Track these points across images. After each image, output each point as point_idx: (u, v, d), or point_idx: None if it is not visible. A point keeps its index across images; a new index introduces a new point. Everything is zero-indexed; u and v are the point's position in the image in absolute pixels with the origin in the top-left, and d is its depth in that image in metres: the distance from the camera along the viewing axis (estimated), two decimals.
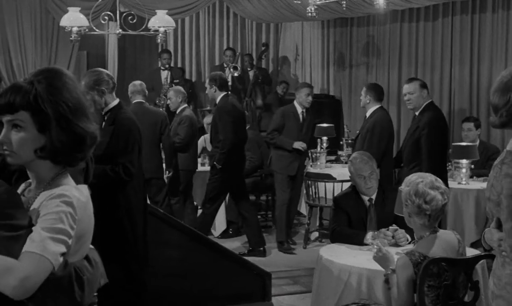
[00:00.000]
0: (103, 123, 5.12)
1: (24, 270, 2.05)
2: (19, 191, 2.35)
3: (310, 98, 8.55)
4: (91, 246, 2.37)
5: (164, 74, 11.70)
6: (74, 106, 2.25)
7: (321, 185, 8.22)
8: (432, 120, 6.46)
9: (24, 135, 2.22)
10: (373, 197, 5.31)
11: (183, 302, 5.29)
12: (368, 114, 7.46)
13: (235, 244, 8.52)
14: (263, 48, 12.76)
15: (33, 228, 2.11)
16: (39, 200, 2.22)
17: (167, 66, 11.72)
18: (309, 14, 6.85)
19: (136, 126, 5.18)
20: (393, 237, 4.88)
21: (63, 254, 2.14)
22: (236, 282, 5.43)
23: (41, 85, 2.22)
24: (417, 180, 4.02)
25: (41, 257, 2.08)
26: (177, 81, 11.68)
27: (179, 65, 13.22)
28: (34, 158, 2.24)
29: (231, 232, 9.04)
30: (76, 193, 2.23)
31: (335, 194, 6.37)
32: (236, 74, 11.94)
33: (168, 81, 11.61)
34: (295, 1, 7.16)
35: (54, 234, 2.11)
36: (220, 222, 8.83)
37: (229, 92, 8.29)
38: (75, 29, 8.25)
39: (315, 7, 6.74)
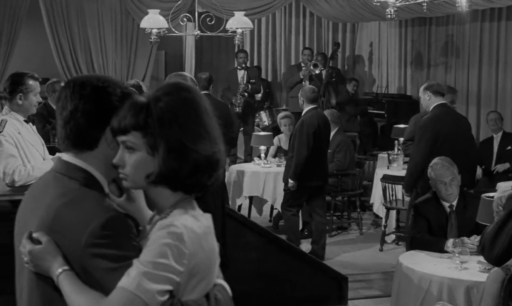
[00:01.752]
0: None
1: None
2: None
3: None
4: (221, 282, 2.16)
5: (241, 74, 11.77)
6: (190, 128, 1.98)
7: (398, 187, 8.12)
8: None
9: (136, 158, 1.98)
10: (454, 203, 5.22)
11: (260, 304, 5.31)
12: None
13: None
14: (334, 47, 12.69)
15: (134, 261, 1.89)
16: (154, 230, 1.96)
17: (243, 65, 11.78)
18: (389, 15, 6.77)
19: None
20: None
21: (169, 292, 1.90)
22: (312, 285, 5.42)
23: (157, 103, 1.97)
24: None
25: (131, 294, 1.85)
26: (253, 80, 11.74)
27: (256, 64, 13.27)
28: (147, 183, 2.00)
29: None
30: (190, 223, 1.95)
31: (413, 198, 6.28)
32: (317, 72, 11.88)
33: (245, 81, 11.68)
34: (374, 2, 7.08)
35: (154, 270, 1.86)
36: None
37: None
38: (154, 30, 8.39)
39: (395, 8, 6.66)
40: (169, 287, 1.89)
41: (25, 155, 4.79)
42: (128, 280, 1.86)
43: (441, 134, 6.71)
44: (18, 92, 4.83)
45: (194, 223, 1.97)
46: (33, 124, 5.12)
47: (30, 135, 4.91)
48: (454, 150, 6.31)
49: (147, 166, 1.97)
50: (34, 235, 2.00)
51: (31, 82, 4.86)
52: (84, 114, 2.07)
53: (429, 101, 6.87)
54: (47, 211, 2.01)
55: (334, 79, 12.12)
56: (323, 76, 11.98)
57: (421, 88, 7.03)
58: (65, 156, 2.11)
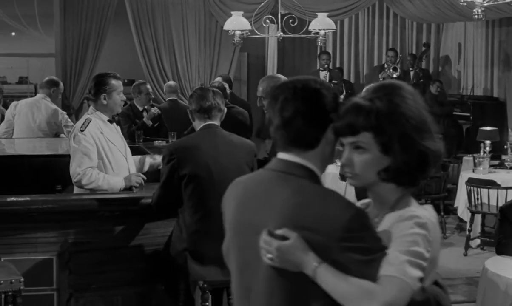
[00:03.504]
0: None
1: (387, 294, 1.95)
2: None
3: None
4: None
5: (323, 75, 11.72)
6: (416, 123, 2.10)
7: (484, 191, 7.94)
8: None
9: (367, 157, 2.11)
10: None
11: None
12: None
13: None
14: (423, 48, 12.50)
15: (388, 251, 2.01)
16: (386, 222, 2.10)
17: (326, 67, 11.74)
18: (476, 16, 6.62)
19: None
20: None
21: (420, 279, 2.02)
22: None
23: (381, 103, 2.10)
24: None
25: (402, 281, 1.96)
26: (336, 82, 11.68)
27: (338, 66, 13.21)
28: (377, 180, 2.13)
29: None
30: (427, 214, 2.09)
31: (499, 202, 6.13)
32: (395, 76, 11.76)
33: (327, 82, 11.64)
34: (461, 3, 6.94)
35: (412, 258, 1.99)
36: None
37: None
38: (237, 32, 8.45)
39: (482, 9, 6.51)
40: (421, 274, 2.02)
41: (105, 154, 4.88)
42: (392, 268, 1.98)
43: None
44: (102, 92, 4.92)
45: (428, 214, 2.10)
46: (117, 125, 5.21)
47: (113, 134, 4.99)
48: None
49: (378, 164, 2.11)
50: (279, 232, 2.05)
51: (113, 81, 4.94)
52: (306, 116, 2.15)
53: None
54: (285, 208, 2.08)
55: (422, 80, 11.94)
56: (411, 77, 11.82)
57: None
58: (286, 156, 2.18)
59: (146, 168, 5.24)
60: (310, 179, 2.14)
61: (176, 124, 8.03)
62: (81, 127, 4.88)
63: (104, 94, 4.91)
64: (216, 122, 4.46)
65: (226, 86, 7.32)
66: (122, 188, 4.85)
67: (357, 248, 1.99)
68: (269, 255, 2.06)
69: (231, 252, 2.30)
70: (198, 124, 4.47)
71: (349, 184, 2.18)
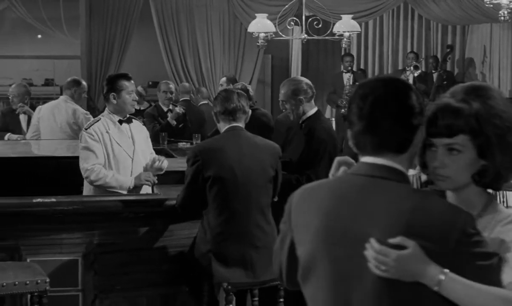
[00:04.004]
0: (299, 131, 5.21)
1: None
2: None
3: None
4: None
5: (346, 77, 11.69)
6: (510, 125, 2.09)
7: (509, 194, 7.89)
8: None
9: (462, 160, 2.08)
10: None
11: None
12: None
13: None
14: (447, 50, 12.42)
15: (507, 256, 1.99)
16: (481, 226, 2.02)
17: (349, 69, 11.71)
18: (501, 17, 6.57)
19: (332, 137, 5.16)
20: None
21: None
22: None
23: (478, 104, 2.08)
24: None
25: None
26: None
27: (362, 68, 13.16)
28: (468, 183, 2.11)
29: None
30: None
31: None
32: (416, 74, 11.67)
33: (350, 83, 11.61)
34: (486, 4, 6.89)
35: None
36: None
37: None
38: (262, 34, 8.45)
39: (509, 10, 6.46)
40: None
41: (107, 154, 4.92)
42: None
43: None
44: (111, 92, 4.97)
45: None
46: (143, 125, 5.24)
47: (121, 135, 5.01)
48: None
49: (473, 167, 2.09)
50: (393, 240, 1.92)
51: (123, 81, 4.98)
52: (399, 118, 2.02)
53: None
54: (394, 215, 1.95)
55: (445, 82, 11.86)
56: (434, 79, 11.74)
57: None
58: (377, 159, 2.04)
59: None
60: (407, 183, 2.05)
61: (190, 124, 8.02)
62: (86, 125, 5.03)
63: (114, 93, 4.96)
64: (241, 124, 4.46)
65: (249, 88, 7.32)
66: (132, 187, 4.89)
67: (476, 253, 1.92)
68: (383, 267, 1.92)
69: (319, 263, 2.07)
70: (222, 126, 4.48)
71: (440, 188, 2.13)
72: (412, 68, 11.66)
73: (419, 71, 11.67)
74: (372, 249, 1.93)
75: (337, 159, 2.30)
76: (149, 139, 5.34)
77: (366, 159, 2.06)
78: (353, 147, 2.10)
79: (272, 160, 4.45)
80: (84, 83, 7.83)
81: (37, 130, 7.47)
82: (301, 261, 2.12)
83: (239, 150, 4.35)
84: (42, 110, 7.54)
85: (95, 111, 10.36)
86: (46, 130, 7.39)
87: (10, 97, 8.09)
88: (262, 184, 4.39)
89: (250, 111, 4.61)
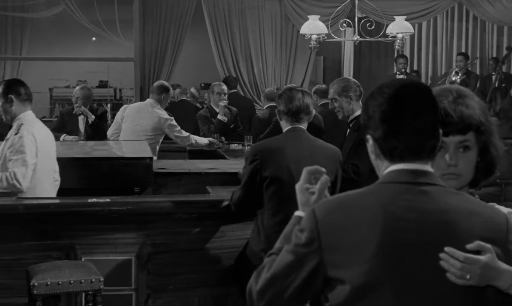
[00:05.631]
0: (348, 131, 5.20)
1: None
2: None
3: None
4: None
5: None
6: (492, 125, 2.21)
7: None
8: None
9: (472, 156, 2.14)
10: None
11: None
12: None
13: None
14: (506, 52, 12.19)
15: None
16: None
17: (403, 70, 11.59)
18: None
19: None
20: None
21: None
22: None
23: (473, 103, 2.17)
24: None
25: None
26: None
27: (415, 69, 13.02)
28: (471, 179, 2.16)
29: None
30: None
31: None
32: (453, 79, 11.45)
33: None
34: None
35: None
36: None
37: None
38: (314, 36, 8.42)
39: None
40: None
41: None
42: None
43: None
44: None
45: None
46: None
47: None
48: None
49: (474, 163, 2.16)
50: (471, 246, 1.88)
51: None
52: (435, 123, 1.96)
53: None
54: (461, 221, 1.90)
55: (503, 85, 11.64)
56: (493, 81, 11.56)
57: None
58: (416, 166, 1.95)
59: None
60: (445, 188, 1.97)
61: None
62: None
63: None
64: (303, 126, 4.42)
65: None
66: None
67: None
68: (468, 275, 1.86)
69: (386, 282, 1.87)
70: (284, 126, 4.45)
71: (450, 186, 2.02)
72: (453, 73, 11.46)
73: (459, 76, 11.44)
74: (453, 259, 1.86)
75: (307, 169, 2.33)
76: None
77: (399, 165, 1.95)
78: (375, 152, 2.01)
79: (332, 165, 4.34)
80: (171, 89, 7.91)
81: (118, 128, 7.54)
82: (349, 285, 1.88)
83: (299, 151, 4.30)
84: (128, 109, 7.62)
85: None
86: (127, 131, 7.42)
87: (73, 99, 8.20)
88: None
89: (313, 111, 4.58)
